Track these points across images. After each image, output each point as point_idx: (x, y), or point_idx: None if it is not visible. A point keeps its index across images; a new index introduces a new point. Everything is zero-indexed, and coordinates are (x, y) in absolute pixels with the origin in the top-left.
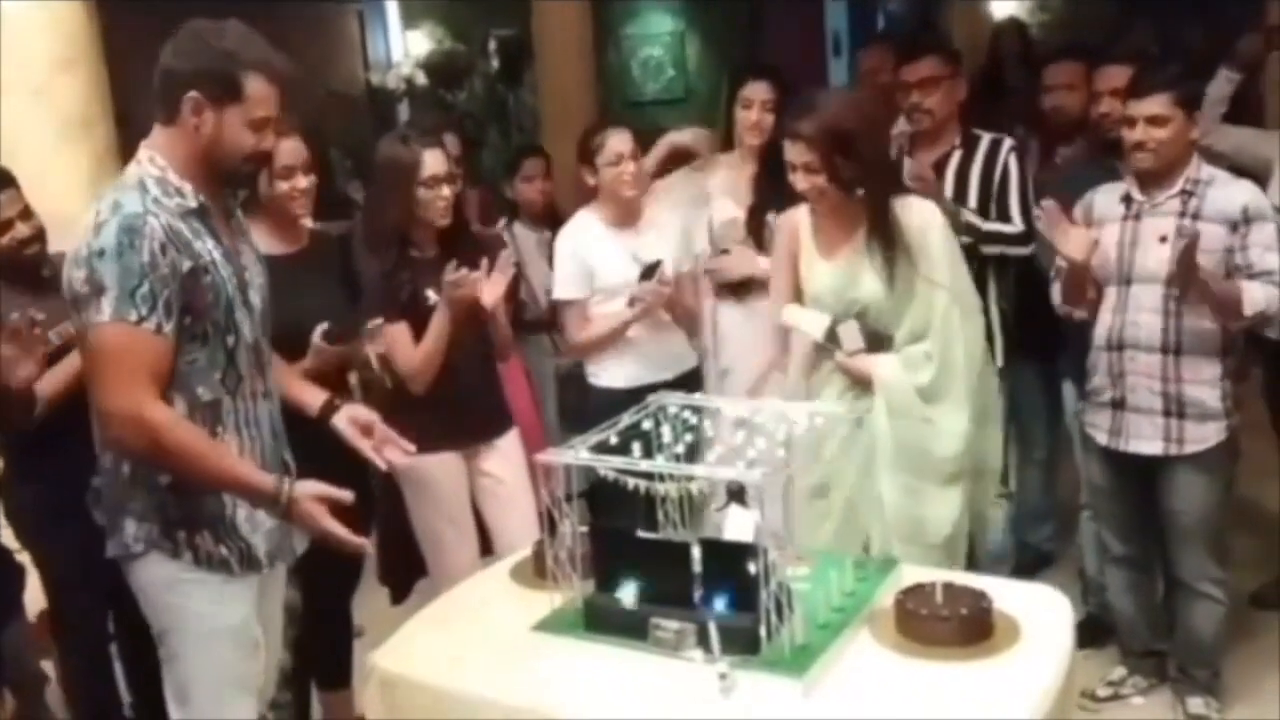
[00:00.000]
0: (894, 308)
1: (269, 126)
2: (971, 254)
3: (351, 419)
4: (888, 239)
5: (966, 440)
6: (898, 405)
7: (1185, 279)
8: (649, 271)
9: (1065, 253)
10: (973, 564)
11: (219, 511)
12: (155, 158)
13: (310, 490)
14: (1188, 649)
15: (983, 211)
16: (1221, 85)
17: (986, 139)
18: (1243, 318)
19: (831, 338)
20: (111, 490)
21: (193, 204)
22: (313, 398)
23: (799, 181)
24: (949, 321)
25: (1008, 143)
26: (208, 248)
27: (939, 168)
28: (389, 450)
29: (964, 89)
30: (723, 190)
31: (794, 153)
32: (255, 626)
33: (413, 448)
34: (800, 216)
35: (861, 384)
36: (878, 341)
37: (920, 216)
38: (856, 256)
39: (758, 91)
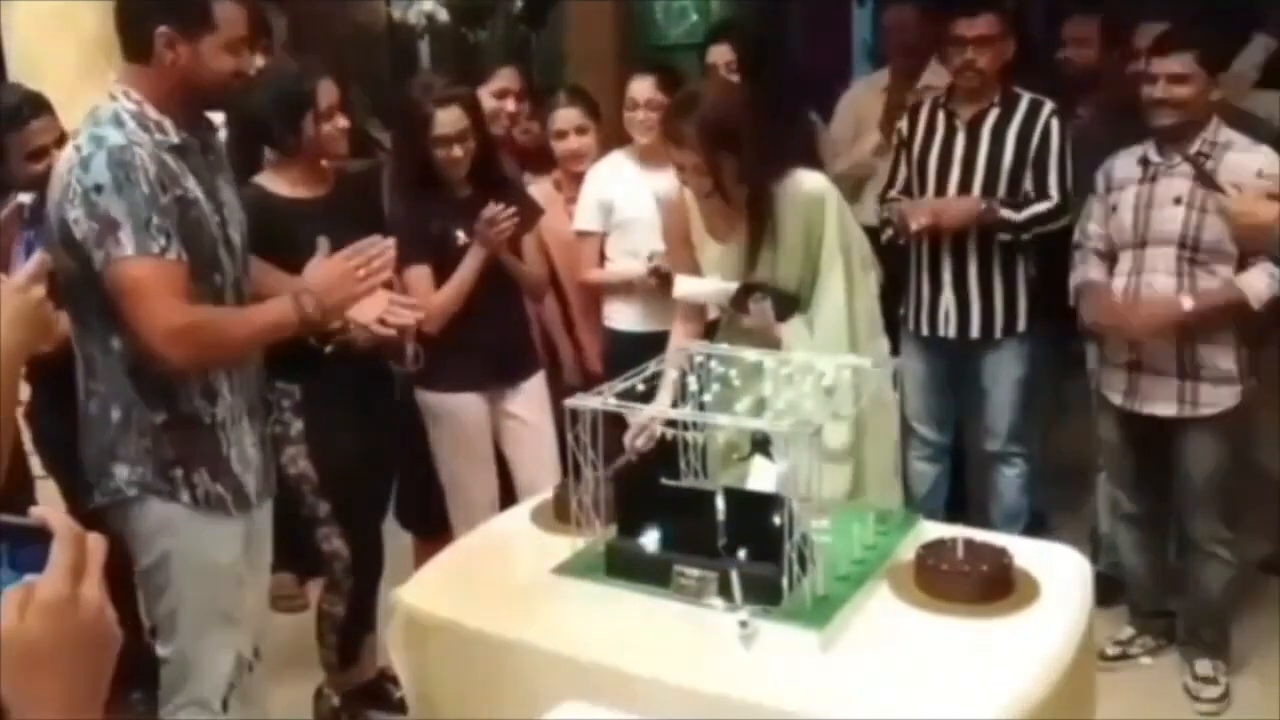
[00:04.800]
0: (796, 275)
1: (244, 45)
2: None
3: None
4: (769, 224)
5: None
6: None
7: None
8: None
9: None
10: (988, 522)
11: (214, 449)
12: (130, 92)
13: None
14: (1196, 610)
15: (1015, 176)
16: (1257, 51)
17: (1026, 99)
18: (1255, 313)
19: (738, 304)
20: (98, 437)
21: (175, 140)
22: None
23: (688, 182)
24: (830, 283)
25: (1048, 106)
26: (189, 184)
27: (976, 124)
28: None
29: (1013, 48)
30: None
31: (679, 156)
32: (241, 565)
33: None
34: (686, 198)
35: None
36: (789, 305)
37: (813, 185)
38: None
39: (719, 54)
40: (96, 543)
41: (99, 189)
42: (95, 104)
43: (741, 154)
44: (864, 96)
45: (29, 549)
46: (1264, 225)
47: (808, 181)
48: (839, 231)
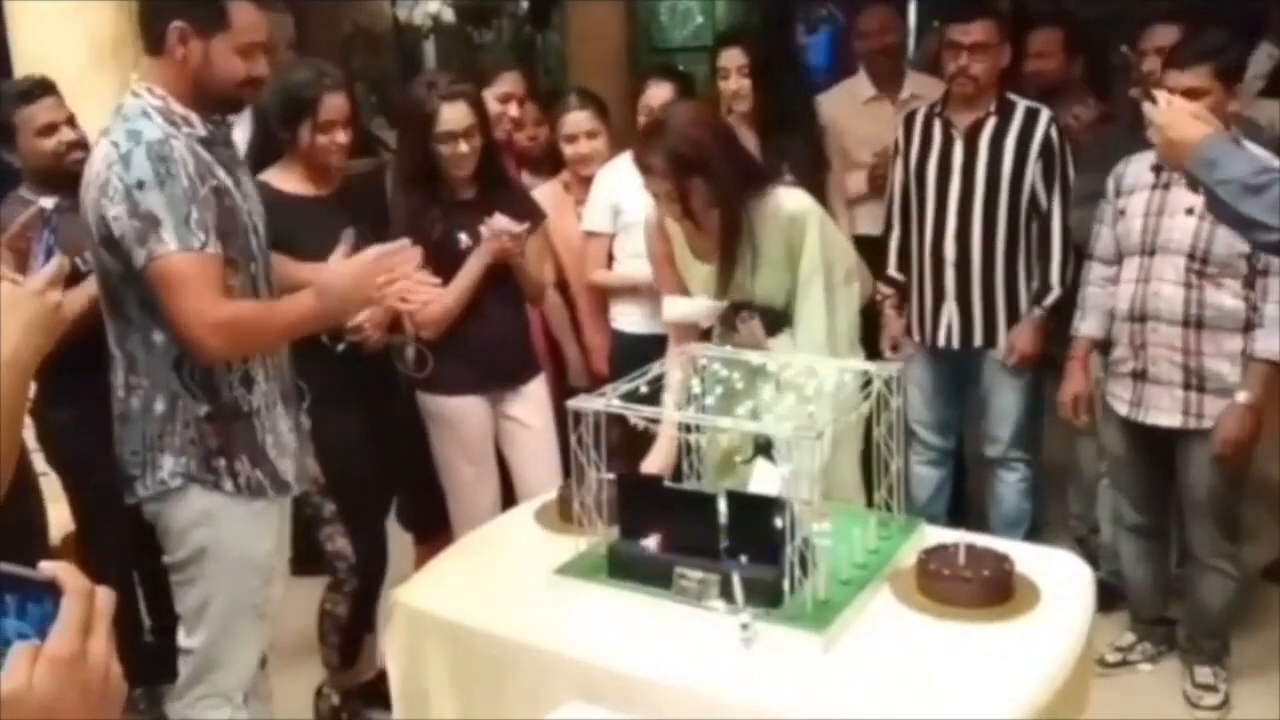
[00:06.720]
0: (782, 292)
1: (260, 52)
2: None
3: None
4: (749, 244)
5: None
6: None
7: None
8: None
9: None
10: (989, 527)
11: (252, 436)
12: (153, 89)
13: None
14: (1197, 620)
15: (1016, 185)
16: (1262, 60)
17: (1022, 106)
18: None
19: (727, 322)
20: (141, 432)
21: (202, 132)
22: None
23: (663, 206)
24: (809, 299)
25: (1045, 114)
26: (220, 175)
27: (973, 133)
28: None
29: (1008, 55)
30: None
31: (650, 184)
32: (275, 556)
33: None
34: (667, 220)
35: None
36: (779, 321)
37: (794, 205)
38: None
39: (731, 58)
40: (105, 598)
41: (141, 185)
42: (118, 101)
43: (711, 181)
44: (839, 99)
45: (36, 600)
46: (1186, 143)
47: (789, 201)
48: (820, 249)
